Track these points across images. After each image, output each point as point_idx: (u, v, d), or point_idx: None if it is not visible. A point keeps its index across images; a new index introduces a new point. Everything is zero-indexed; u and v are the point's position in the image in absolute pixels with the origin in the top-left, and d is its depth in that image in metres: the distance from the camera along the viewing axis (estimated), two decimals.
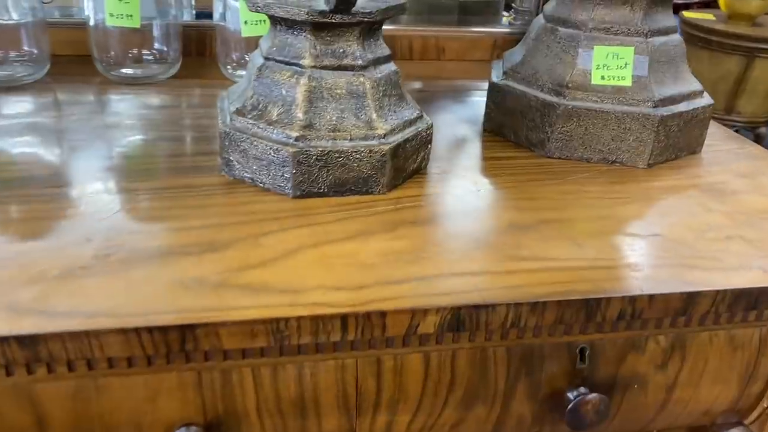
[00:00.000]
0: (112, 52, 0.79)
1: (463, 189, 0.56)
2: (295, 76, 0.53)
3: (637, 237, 0.50)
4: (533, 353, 0.47)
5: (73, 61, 0.81)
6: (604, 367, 0.49)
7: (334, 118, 0.53)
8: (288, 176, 0.52)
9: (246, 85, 0.56)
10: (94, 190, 0.52)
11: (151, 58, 0.80)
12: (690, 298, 0.44)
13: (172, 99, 0.74)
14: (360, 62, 0.53)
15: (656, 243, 0.50)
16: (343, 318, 0.40)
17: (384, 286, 0.42)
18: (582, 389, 0.48)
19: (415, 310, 0.41)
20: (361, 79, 0.53)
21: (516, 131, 0.67)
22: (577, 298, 0.43)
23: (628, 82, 0.62)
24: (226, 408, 0.44)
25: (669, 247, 0.49)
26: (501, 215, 0.52)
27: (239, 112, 0.54)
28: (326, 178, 0.53)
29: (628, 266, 0.46)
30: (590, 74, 0.62)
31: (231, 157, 0.55)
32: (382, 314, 0.40)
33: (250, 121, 0.53)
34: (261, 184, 0.54)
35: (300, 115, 0.52)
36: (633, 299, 0.43)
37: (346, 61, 0.53)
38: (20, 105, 0.69)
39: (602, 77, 0.62)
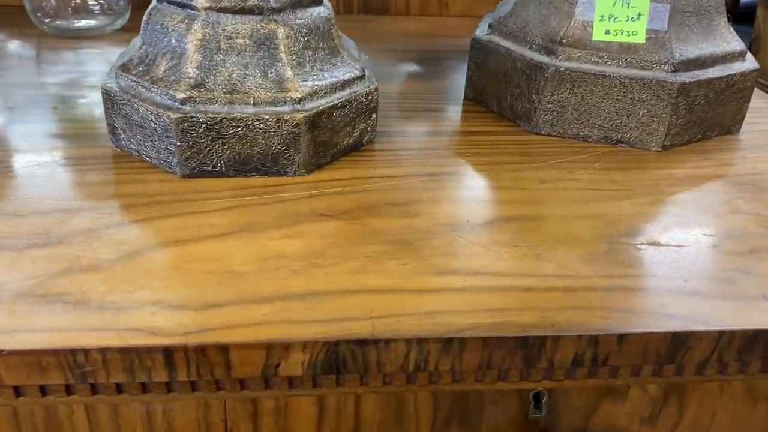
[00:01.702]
0: (52, 1, 0.69)
1: (410, 173, 0.44)
2: (186, 21, 0.41)
3: (623, 246, 0.37)
4: (468, 398, 0.34)
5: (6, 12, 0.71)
6: (570, 417, 0.36)
7: (233, 75, 0.41)
8: (173, 149, 0.41)
9: (139, 37, 0.45)
10: None
11: (97, 8, 0.70)
12: (679, 341, 0.31)
13: (107, 55, 0.64)
14: (272, 2, 0.41)
15: (649, 256, 0.36)
16: (167, 352, 0.29)
17: (243, 306, 0.31)
18: None
19: (272, 345, 0.29)
20: (272, 25, 0.41)
21: (499, 100, 0.53)
22: (511, 336, 0.30)
23: (640, 38, 0.47)
24: None
25: (667, 263, 0.36)
26: (449, 210, 0.40)
27: (124, 67, 0.43)
28: (222, 154, 0.41)
29: (599, 290, 0.33)
30: (591, 27, 0.48)
31: (116, 124, 0.44)
32: (223, 349, 0.29)
33: (134, 79, 0.42)
34: (148, 159, 0.43)
35: (190, 71, 0.41)
36: (594, 340, 0.30)
37: (251, 2, 0.41)
38: None
39: (607, 31, 0.48)
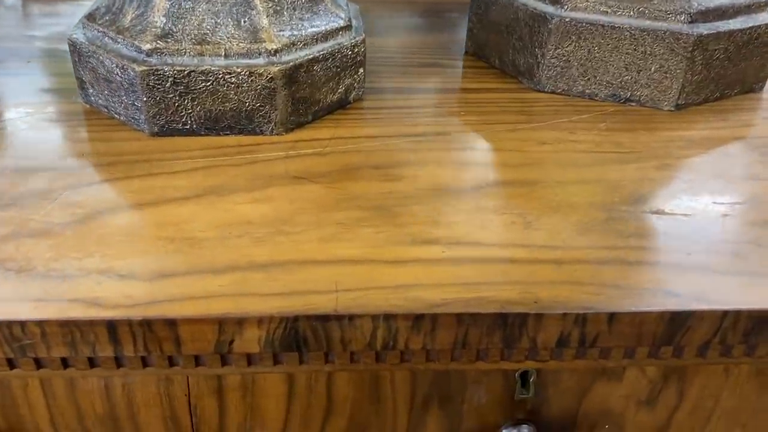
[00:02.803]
0: None
1: (398, 133, 0.41)
2: None
3: (623, 215, 0.34)
4: (449, 377, 0.32)
5: None
6: (560, 398, 0.33)
7: (203, 24, 0.38)
8: (140, 105, 0.38)
9: None
10: None
11: None
12: (677, 322, 0.28)
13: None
14: None
15: (651, 226, 0.33)
16: (110, 326, 0.26)
17: (197, 276, 0.28)
18: (525, 427, 0.34)
19: (224, 320, 0.27)
20: None
21: (501, 54, 0.50)
22: (488, 312, 0.27)
23: None
24: (11, 424, 0.32)
25: (670, 234, 0.32)
26: (436, 173, 0.37)
27: (90, 17, 0.40)
28: (192, 111, 0.38)
29: (591, 263, 0.30)
30: None
31: (84, 78, 0.41)
32: (171, 323, 0.26)
33: (100, 29, 0.39)
34: (116, 116, 0.40)
35: (157, 19, 0.38)
36: (581, 318, 0.28)
37: None
38: None
39: None
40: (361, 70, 0.43)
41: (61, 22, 0.56)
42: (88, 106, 0.42)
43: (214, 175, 0.36)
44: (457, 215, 0.33)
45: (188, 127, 0.39)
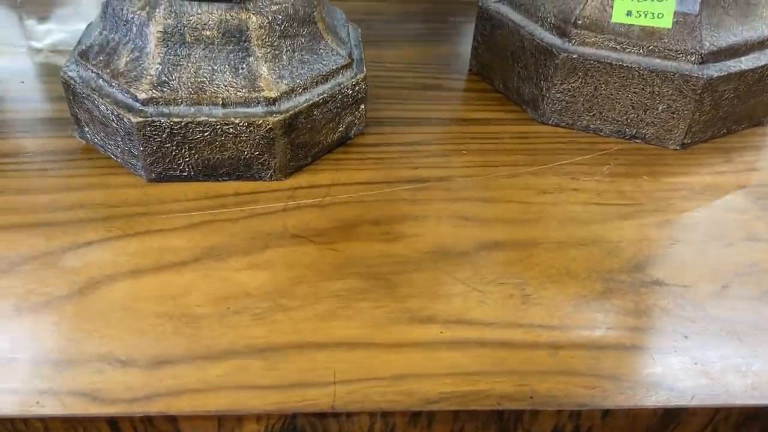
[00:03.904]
0: None
1: (397, 178, 0.40)
2: (147, 9, 0.36)
3: (622, 285, 0.34)
4: None
5: None
6: None
7: (200, 72, 0.37)
8: (136, 153, 0.37)
9: (99, 15, 0.40)
10: None
11: None
12: (669, 417, 0.28)
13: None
14: None
15: (650, 299, 0.33)
16: (112, 422, 0.27)
17: (195, 364, 0.29)
18: None
19: (224, 417, 0.27)
20: (243, 14, 0.36)
21: (505, 81, 0.48)
22: (484, 409, 0.27)
23: (666, 23, 0.42)
24: None
25: (668, 309, 0.32)
26: (435, 231, 0.36)
27: (83, 54, 0.39)
28: (190, 159, 0.38)
29: (588, 347, 0.30)
30: (611, 8, 0.42)
31: (79, 116, 0.40)
32: (171, 419, 0.27)
33: (94, 70, 0.38)
34: (113, 156, 0.40)
35: (152, 66, 0.36)
36: (576, 414, 0.28)
37: None
38: None
39: (628, 13, 0.42)
40: (362, 107, 0.42)
41: (59, 29, 0.55)
42: (83, 142, 0.41)
43: (212, 233, 0.35)
44: (455, 286, 0.33)
45: (186, 173, 0.38)
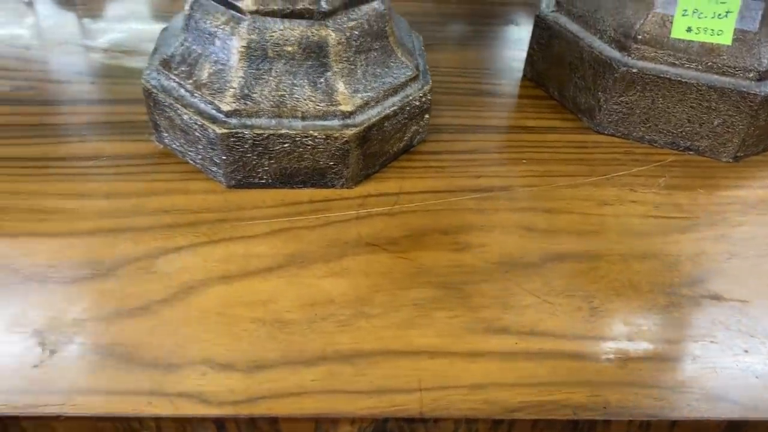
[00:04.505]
0: None
1: (461, 187, 0.42)
2: (231, 24, 0.38)
3: (683, 300, 0.35)
4: None
5: None
6: None
7: (281, 85, 0.38)
8: (218, 161, 0.39)
9: (180, 26, 0.42)
10: None
11: None
12: (733, 427, 0.30)
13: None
14: (323, 6, 0.38)
15: (710, 314, 0.35)
16: (219, 423, 0.29)
17: (290, 368, 0.31)
18: None
19: (320, 419, 0.29)
20: (323, 31, 0.38)
21: (561, 89, 0.50)
22: (561, 419, 0.30)
23: (725, 40, 0.43)
24: None
25: (728, 324, 0.34)
26: (501, 241, 0.38)
27: (165, 63, 0.41)
28: (269, 168, 0.40)
29: (654, 359, 0.32)
30: (671, 23, 0.43)
31: (158, 122, 0.42)
32: (273, 421, 0.29)
33: (176, 80, 0.40)
34: (191, 162, 0.42)
35: (235, 80, 0.38)
36: (645, 425, 0.30)
37: (302, 5, 0.37)
38: None
39: (688, 29, 0.43)
40: (427, 116, 0.44)
41: (115, 27, 0.56)
42: (161, 146, 0.43)
43: (291, 240, 0.37)
44: (525, 297, 0.35)
45: (264, 181, 0.40)
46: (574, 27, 0.48)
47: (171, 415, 0.29)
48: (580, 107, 0.48)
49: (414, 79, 0.42)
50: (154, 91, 0.40)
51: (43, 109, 0.46)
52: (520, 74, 0.54)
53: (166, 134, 0.42)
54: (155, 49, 0.43)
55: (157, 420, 0.29)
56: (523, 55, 0.53)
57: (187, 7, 0.40)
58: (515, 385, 0.31)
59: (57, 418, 0.28)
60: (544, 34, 0.50)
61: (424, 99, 0.43)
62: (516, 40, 0.59)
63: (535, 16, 0.50)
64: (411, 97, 0.42)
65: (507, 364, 0.31)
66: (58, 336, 0.31)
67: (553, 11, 0.50)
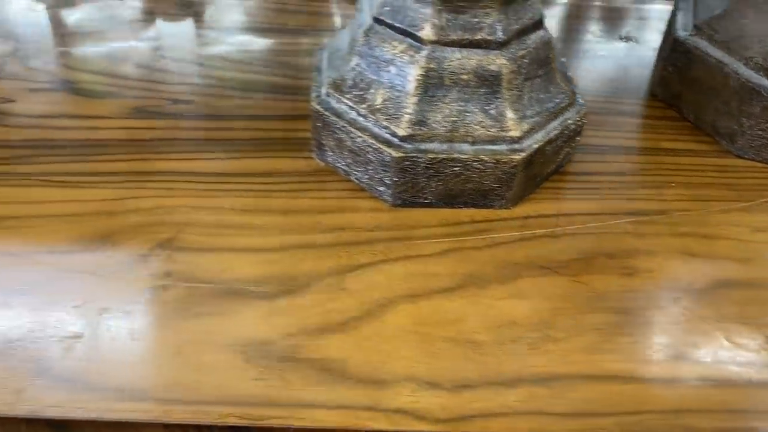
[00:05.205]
0: None
1: (616, 209, 0.43)
2: (410, 53, 0.40)
3: None
4: None
5: None
6: None
7: (453, 112, 0.40)
8: (388, 182, 0.41)
9: (348, 49, 0.43)
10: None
11: None
12: None
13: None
14: (500, 36, 0.39)
15: None
16: None
17: (492, 389, 0.33)
18: None
19: None
20: (499, 60, 0.40)
21: (699, 113, 0.51)
22: None
23: None
24: None
25: None
26: (665, 267, 0.39)
27: (336, 86, 0.42)
28: (436, 189, 0.41)
29: None
30: None
31: (323, 142, 0.44)
32: None
33: (349, 103, 0.42)
34: (356, 180, 0.43)
35: (410, 106, 0.40)
36: None
37: (480, 36, 0.39)
38: None
39: None
40: (578, 138, 0.45)
41: (222, 38, 0.58)
42: (322, 163, 0.45)
43: (463, 261, 0.39)
44: (699, 324, 0.36)
45: (428, 201, 0.42)
46: (716, 53, 0.48)
47: (390, 431, 0.31)
48: (718, 131, 0.49)
49: (572, 104, 0.43)
50: (326, 113, 0.42)
51: (204, 123, 0.48)
52: (643, 93, 0.55)
53: (331, 153, 0.44)
54: (318, 70, 0.45)
55: None
56: (644, 72, 0.54)
57: (360, 34, 0.42)
58: (709, 411, 0.32)
59: (286, 430, 0.31)
60: (681, 57, 0.51)
61: (579, 122, 0.44)
62: (627, 58, 0.59)
63: (672, 38, 0.51)
64: (569, 122, 0.43)
65: (698, 391, 0.33)
66: (269, 349, 0.34)
67: (691, 35, 0.50)
